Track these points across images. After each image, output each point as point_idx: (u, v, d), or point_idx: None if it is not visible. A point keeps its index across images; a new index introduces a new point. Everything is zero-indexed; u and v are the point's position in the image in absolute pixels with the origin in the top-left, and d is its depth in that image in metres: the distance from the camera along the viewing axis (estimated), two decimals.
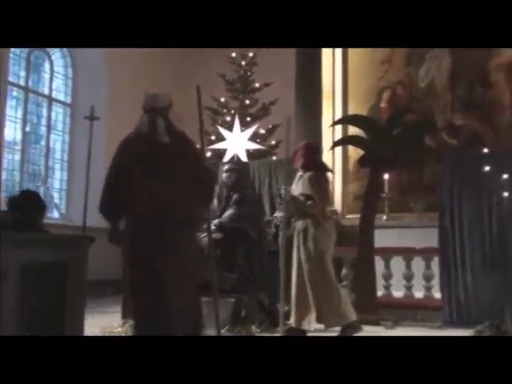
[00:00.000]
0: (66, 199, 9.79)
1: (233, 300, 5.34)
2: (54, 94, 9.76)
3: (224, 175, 5.88)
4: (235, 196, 5.78)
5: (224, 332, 4.95)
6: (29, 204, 3.75)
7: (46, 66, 9.67)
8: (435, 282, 6.60)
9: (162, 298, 3.12)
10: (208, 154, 9.23)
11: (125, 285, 3.39)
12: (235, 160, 7.34)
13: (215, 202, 5.92)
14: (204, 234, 5.70)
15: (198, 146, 3.75)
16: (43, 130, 9.58)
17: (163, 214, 3.20)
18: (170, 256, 3.17)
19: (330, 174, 5.29)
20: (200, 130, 3.93)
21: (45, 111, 9.59)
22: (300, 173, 4.95)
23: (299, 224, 4.89)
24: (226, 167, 5.94)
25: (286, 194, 4.69)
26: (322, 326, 4.94)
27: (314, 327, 4.89)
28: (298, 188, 4.84)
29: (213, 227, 5.70)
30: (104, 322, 5.10)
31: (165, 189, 3.22)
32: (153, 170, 3.26)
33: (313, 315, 4.80)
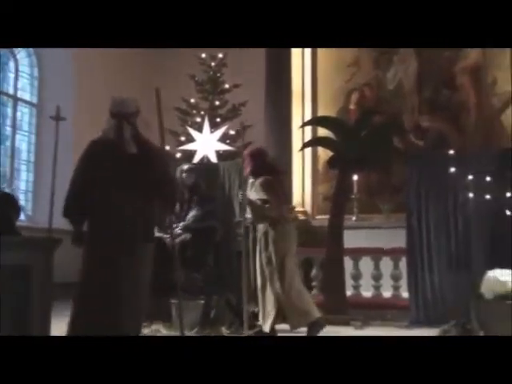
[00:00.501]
0: (32, 201, 9.61)
1: (202, 302, 5.31)
2: (19, 94, 9.56)
3: (184, 175, 5.83)
4: (196, 196, 5.76)
5: (193, 334, 4.94)
6: (5, 204, 3.72)
7: (11, 65, 9.47)
8: (403, 282, 6.69)
9: (111, 300, 3.19)
10: (178, 155, 9.19)
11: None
12: (205, 161, 7.33)
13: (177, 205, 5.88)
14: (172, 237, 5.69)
15: (162, 153, 3.79)
16: (8, 130, 9.37)
17: (123, 220, 3.25)
18: (124, 261, 3.23)
19: (281, 175, 5.31)
20: (160, 133, 3.89)
21: (10, 111, 9.39)
22: (251, 180, 4.97)
23: (260, 228, 4.94)
24: (185, 168, 5.89)
25: (244, 199, 4.72)
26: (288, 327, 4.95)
27: (268, 328, 4.87)
28: (252, 194, 4.87)
29: (179, 230, 5.69)
30: None
31: (127, 196, 3.26)
32: (117, 178, 3.28)
33: (275, 316, 4.81)
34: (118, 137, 3.35)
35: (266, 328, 4.80)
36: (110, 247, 3.25)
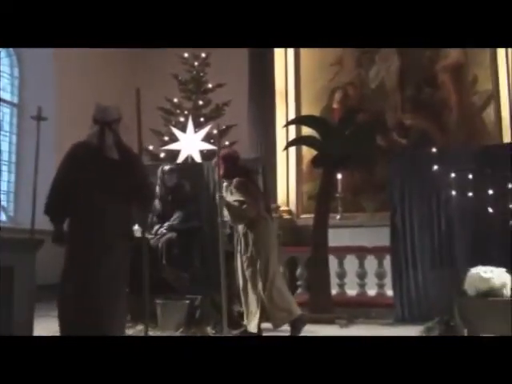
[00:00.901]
0: (14, 202, 9.50)
1: (187, 302, 5.29)
2: None
3: (166, 177, 5.82)
4: (179, 196, 5.76)
5: (179, 334, 4.92)
6: None
7: None
8: (388, 280, 6.71)
9: (92, 299, 3.36)
10: (162, 155, 9.15)
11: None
12: (189, 161, 7.30)
13: (159, 206, 5.86)
14: (157, 237, 5.67)
15: (141, 158, 4.02)
16: None
17: (103, 221, 3.46)
18: (104, 260, 3.42)
19: (254, 175, 5.33)
20: (138, 133, 4.04)
21: None
22: (225, 183, 5.01)
23: (239, 229, 4.95)
24: (166, 169, 5.87)
25: (221, 201, 4.74)
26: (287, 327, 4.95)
27: (253, 328, 4.88)
28: (228, 197, 4.91)
29: (164, 230, 5.68)
30: (55, 326, 4.96)
31: (107, 198, 3.47)
32: (98, 180, 3.49)
33: (258, 316, 4.83)
34: (100, 142, 3.57)
35: (251, 328, 4.81)
36: (90, 247, 3.43)
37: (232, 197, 4.86)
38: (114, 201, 3.49)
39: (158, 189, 5.88)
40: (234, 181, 4.91)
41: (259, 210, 4.91)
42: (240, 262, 4.96)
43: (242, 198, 4.81)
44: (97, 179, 3.48)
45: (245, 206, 4.79)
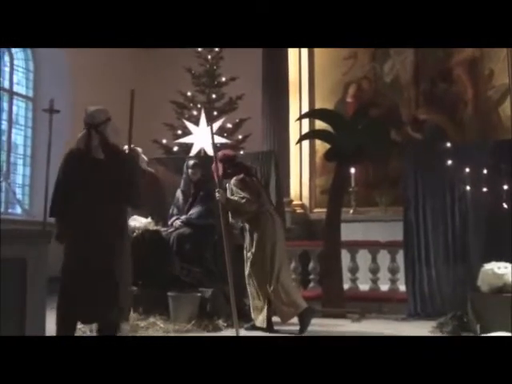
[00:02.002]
0: (29, 195, 9.59)
1: (199, 295, 5.32)
2: (14, 88, 9.52)
3: (190, 171, 5.86)
4: (201, 192, 5.79)
5: (190, 327, 4.95)
6: None
7: (6, 59, 9.42)
8: (401, 275, 6.67)
9: (89, 293, 3.61)
10: (175, 149, 9.19)
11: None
12: (202, 154, 7.32)
13: (181, 198, 5.90)
14: (171, 230, 5.70)
15: (127, 156, 4.16)
16: (4, 124, 9.34)
17: (95, 218, 3.70)
18: (99, 254, 3.68)
19: (252, 172, 5.37)
20: (129, 132, 4.15)
21: (6, 105, 9.35)
22: (227, 184, 5.06)
23: (246, 226, 5.00)
24: (191, 163, 5.91)
25: (222, 197, 4.78)
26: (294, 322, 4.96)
27: (259, 323, 4.90)
28: (230, 197, 4.96)
29: (180, 223, 5.71)
30: None
31: (97, 196, 3.71)
32: (88, 181, 3.72)
33: (265, 311, 4.85)
34: (86, 145, 3.81)
35: (258, 323, 4.85)
36: (82, 242, 3.69)
37: (233, 196, 4.92)
38: (103, 199, 3.71)
39: (182, 182, 5.94)
40: (233, 180, 4.97)
41: (260, 204, 4.94)
42: (246, 258, 5.00)
43: (241, 194, 4.87)
44: (85, 179, 3.72)
45: (243, 201, 4.84)
